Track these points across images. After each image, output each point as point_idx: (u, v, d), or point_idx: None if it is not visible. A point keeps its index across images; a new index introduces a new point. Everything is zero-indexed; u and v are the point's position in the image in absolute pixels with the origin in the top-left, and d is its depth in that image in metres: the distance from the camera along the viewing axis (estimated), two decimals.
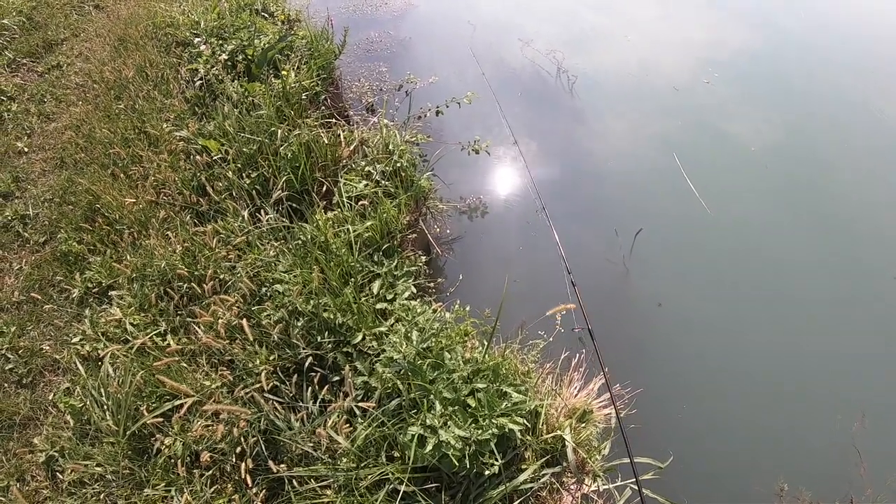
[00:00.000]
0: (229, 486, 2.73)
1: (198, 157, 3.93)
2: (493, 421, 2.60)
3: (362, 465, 2.64)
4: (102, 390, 3.14)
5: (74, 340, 3.51)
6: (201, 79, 4.61)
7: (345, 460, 2.65)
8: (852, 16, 7.69)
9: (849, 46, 6.98)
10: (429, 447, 2.50)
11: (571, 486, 2.85)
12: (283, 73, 4.27)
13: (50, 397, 3.36)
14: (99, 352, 3.37)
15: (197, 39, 4.97)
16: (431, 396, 2.64)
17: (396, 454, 2.65)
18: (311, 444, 2.75)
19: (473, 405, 2.64)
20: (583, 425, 2.93)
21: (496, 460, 2.54)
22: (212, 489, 2.71)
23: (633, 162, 5.31)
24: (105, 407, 3.07)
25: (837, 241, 4.74)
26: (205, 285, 3.30)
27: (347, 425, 2.74)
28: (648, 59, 6.49)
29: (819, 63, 6.71)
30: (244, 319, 2.98)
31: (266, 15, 5.52)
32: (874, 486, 3.38)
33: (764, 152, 5.40)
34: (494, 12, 7.38)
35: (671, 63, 6.44)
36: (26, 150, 4.81)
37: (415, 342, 2.76)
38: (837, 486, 3.40)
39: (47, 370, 3.55)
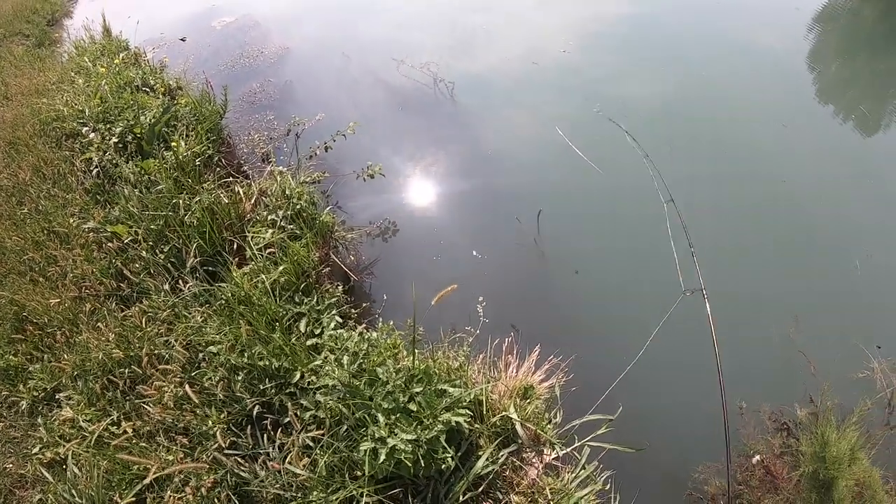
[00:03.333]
0: None
1: (109, 244, 3.83)
2: (438, 418, 2.69)
3: (330, 490, 2.69)
4: (73, 491, 3.07)
5: (34, 451, 3.38)
6: (97, 166, 4.47)
7: (315, 492, 2.70)
8: None
9: None
10: (382, 457, 2.57)
11: (533, 460, 2.95)
12: (174, 144, 4.20)
13: None
14: (60, 455, 3.29)
15: (85, 129, 4.81)
16: (373, 410, 2.71)
17: (359, 473, 2.71)
18: (280, 486, 2.78)
19: (415, 409, 2.73)
20: (527, 401, 3.01)
21: (449, 454, 2.63)
22: None
23: (523, 146, 5.44)
24: None
25: (733, 166, 4.94)
26: (143, 366, 3.26)
27: (307, 458, 2.79)
28: (521, 49, 6.64)
29: (686, 14, 7.06)
30: (187, 386, 2.96)
31: (147, 89, 5.37)
32: (826, 378, 3.48)
33: (639, 103, 5.64)
34: (368, 38, 7.37)
35: (543, 46, 6.61)
36: None
37: (346, 366, 2.83)
38: (794, 391, 3.49)
39: (16, 487, 3.41)
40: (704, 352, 3.65)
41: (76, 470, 3.15)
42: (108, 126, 4.72)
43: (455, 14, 7.61)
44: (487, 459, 2.75)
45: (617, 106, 5.69)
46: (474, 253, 4.24)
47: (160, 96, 5.19)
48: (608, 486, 2.88)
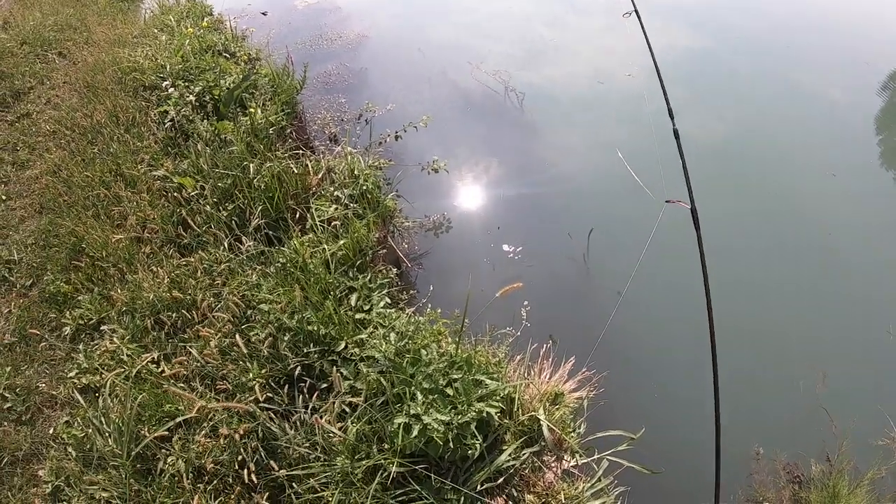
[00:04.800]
0: (232, 496, 2.79)
1: (175, 194, 3.97)
2: (472, 406, 2.74)
3: (356, 458, 2.76)
4: (103, 418, 3.14)
5: (71, 374, 3.46)
6: (171, 120, 4.63)
7: (339, 459, 2.76)
8: (793, 13, 8.17)
9: (784, 38, 7.38)
10: (414, 432, 2.61)
11: (552, 464, 2.98)
12: (251, 110, 4.35)
13: (50, 431, 3.31)
14: (96, 383, 3.37)
15: (165, 83, 4.99)
16: (413, 388, 2.78)
17: (387, 445, 2.77)
18: (308, 446, 2.86)
19: (452, 393, 2.79)
20: (556, 407, 3.05)
21: (478, 441, 2.68)
22: (216, 501, 2.75)
23: (583, 165, 5.49)
24: (107, 434, 3.07)
25: (780, 214, 4.94)
26: (195, 311, 3.36)
27: (339, 422, 2.86)
28: (592, 69, 6.71)
29: (757, 56, 7.05)
30: (238, 336, 3.06)
31: (228, 55, 5.56)
32: (846, 439, 3.47)
33: (702, 138, 5.67)
34: (444, 38, 7.50)
35: (609, 68, 6.67)
36: (4, 197, 4.69)
37: (393, 342, 2.92)
38: (811, 446, 3.50)
39: (45, 406, 3.48)
40: (737, 395, 3.69)
41: (109, 400, 3.24)
42: (187, 84, 4.89)
43: (528, 26, 7.73)
44: (511, 455, 2.81)
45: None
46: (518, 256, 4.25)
47: (241, 63, 5.38)
48: (619, 503, 2.92)
